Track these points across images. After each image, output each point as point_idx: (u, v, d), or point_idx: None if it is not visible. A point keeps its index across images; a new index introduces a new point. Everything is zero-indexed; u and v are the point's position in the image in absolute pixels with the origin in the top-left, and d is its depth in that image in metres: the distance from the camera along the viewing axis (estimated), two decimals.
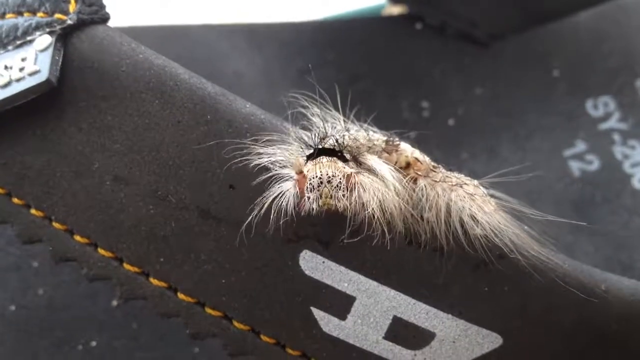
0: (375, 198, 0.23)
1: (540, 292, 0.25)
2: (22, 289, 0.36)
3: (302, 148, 0.24)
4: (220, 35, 0.44)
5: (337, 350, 0.26)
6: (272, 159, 0.24)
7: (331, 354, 0.26)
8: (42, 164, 0.26)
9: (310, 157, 0.24)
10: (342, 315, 0.25)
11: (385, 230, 0.23)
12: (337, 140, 0.24)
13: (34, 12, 0.26)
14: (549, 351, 0.26)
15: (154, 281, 0.26)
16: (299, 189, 0.23)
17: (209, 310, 0.26)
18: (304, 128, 0.25)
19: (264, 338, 0.26)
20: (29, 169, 0.26)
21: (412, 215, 0.24)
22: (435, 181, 0.25)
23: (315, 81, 0.42)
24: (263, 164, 0.24)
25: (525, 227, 0.25)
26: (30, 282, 0.36)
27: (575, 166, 0.42)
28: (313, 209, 0.23)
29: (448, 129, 0.43)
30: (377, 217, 0.23)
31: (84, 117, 0.25)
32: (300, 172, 0.23)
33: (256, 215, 0.23)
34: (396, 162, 0.25)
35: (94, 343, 0.35)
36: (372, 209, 0.23)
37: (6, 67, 0.25)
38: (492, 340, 0.25)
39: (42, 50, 0.25)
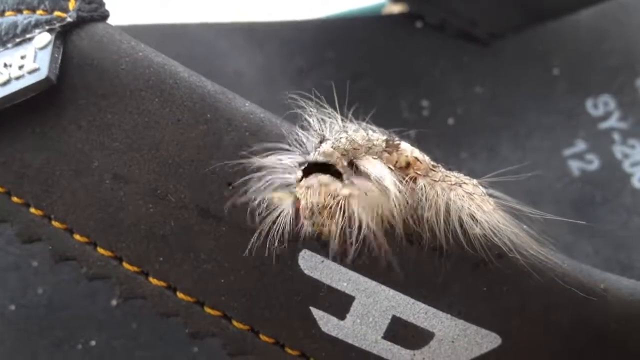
0: (370, 216, 0.23)
1: (539, 291, 0.25)
2: (21, 288, 0.36)
3: (297, 160, 0.24)
4: (219, 33, 0.44)
5: (336, 350, 0.26)
6: (269, 167, 0.24)
7: (330, 354, 0.26)
8: (41, 163, 0.26)
9: (305, 171, 0.24)
10: (341, 315, 0.25)
11: (380, 240, 0.23)
12: (332, 146, 0.24)
13: (33, 10, 0.26)
14: (548, 351, 0.26)
15: (154, 280, 0.26)
16: (296, 210, 0.23)
17: (208, 310, 0.26)
18: (303, 127, 0.25)
19: (263, 337, 0.26)
20: (28, 168, 0.26)
21: (411, 216, 0.24)
22: (435, 180, 0.25)
23: (315, 80, 0.42)
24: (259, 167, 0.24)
25: (524, 227, 0.25)
26: (29, 281, 0.36)
27: (574, 165, 0.41)
28: (308, 232, 0.23)
29: (448, 128, 0.43)
30: (373, 233, 0.23)
31: (83, 115, 0.25)
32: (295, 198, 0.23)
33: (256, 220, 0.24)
34: (396, 162, 0.25)
35: (93, 342, 0.35)
36: (368, 227, 0.23)
37: (5, 65, 0.25)
38: (491, 340, 0.25)
39: (42, 48, 0.25)
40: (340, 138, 0.24)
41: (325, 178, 0.23)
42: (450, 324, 0.25)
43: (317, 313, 0.25)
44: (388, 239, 0.24)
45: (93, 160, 0.25)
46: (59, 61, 0.25)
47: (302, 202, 0.23)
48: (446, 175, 0.25)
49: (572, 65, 0.44)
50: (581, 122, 0.43)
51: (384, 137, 0.25)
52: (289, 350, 0.26)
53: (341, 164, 0.24)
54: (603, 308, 0.25)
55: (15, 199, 0.26)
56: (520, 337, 0.25)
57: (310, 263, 0.24)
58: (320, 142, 0.25)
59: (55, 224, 0.26)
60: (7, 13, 0.27)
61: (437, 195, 0.24)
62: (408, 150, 0.25)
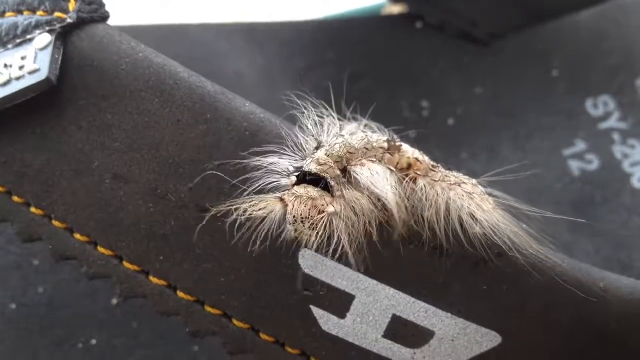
0: (349, 236, 0.24)
1: (539, 290, 0.25)
2: (22, 287, 0.36)
3: (292, 164, 0.24)
4: (219, 34, 0.44)
5: (336, 349, 0.26)
6: (266, 166, 0.24)
7: (330, 353, 0.26)
8: (41, 162, 0.26)
9: (299, 177, 0.24)
10: (341, 314, 0.25)
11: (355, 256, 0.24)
12: (326, 153, 0.24)
13: (33, 11, 0.26)
14: (547, 350, 0.26)
15: (154, 279, 0.26)
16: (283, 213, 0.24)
17: (208, 309, 0.26)
18: (301, 129, 0.25)
19: (263, 336, 0.26)
20: (28, 167, 0.26)
21: (412, 217, 0.24)
22: (435, 180, 0.25)
23: (315, 80, 0.42)
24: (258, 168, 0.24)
25: (524, 226, 0.25)
26: (30, 280, 0.36)
27: (574, 165, 0.42)
28: (290, 236, 0.24)
29: (447, 128, 0.43)
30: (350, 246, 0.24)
31: (83, 116, 0.25)
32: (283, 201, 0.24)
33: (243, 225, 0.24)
34: (397, 163, 0.25)
35: (93, 341, 0.35)
36: (344, 246, 0.23)
37: (6, 66, 0.25)
38: (491, 339, 0.25)
39: (42, 49, 0.25)
40: (335, 145, 0.24)
41: (313, 191, 0.24)
42: (450, 322, 0.25)
43: (317, 312, 0.25)
44: (386, 239, 0.24)
45: (93, 160, 0.25)
46: (59, 62, 0.25)
47: (288, 209, 0.23)
48: (446, 175, 0.25)
49: (572, 65, 0.44)
50: (581, 122, 0.43)
51: (385, 138, 0.25)
52: (289, 349, 0.26)
53: (333, 174, 0.24)
54: (603, 307, 0.25)
55: (15, 198, 0.26)
56: (520, 336, 0.25)
57: (310, 262, 0.25)
58: (316, 147, 0.25)
59: (56, 223, 0.26)
60: (8, 14, 0.27)
61: (437, 195, 0.25)
62: (409, 151, 0.25)
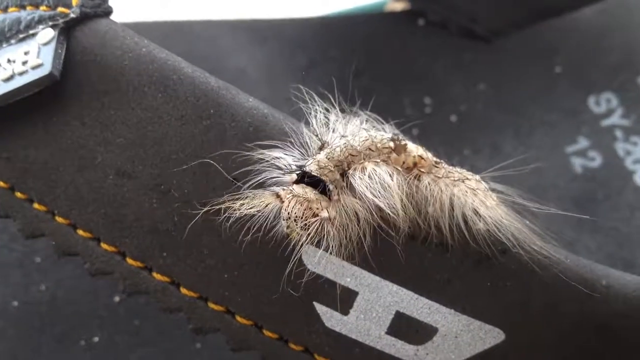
0: (340, 242, 0.24)
1: (543, 287, 0.25)
2: (24, 284, 0.36)
3: (294, 162, 0.24)
4: (222, 31, 0.44)
5: (339, 345, 0.26)
6: (269, 161, 0.24)
7: (334, 349, 0.26)
8: (45, 158, 0.26)
9: (299, 175, 0.24)
10: (345, 310, 0.25)
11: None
12: (327, 157, 0.24)
13: (36, 6, 0.26)
14: (551, 346, 0.26)
15: (157, 276, 0.26)
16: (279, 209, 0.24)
17: (211, 305, 0.26)
18: (306, 125, 0.25)
19: (267, 333, 0.26)
20: (32, 163, 0.26)
21: (415, 212, 0.24)
22: (438, 177, 0.25)
23: (317, 77, 0.42)
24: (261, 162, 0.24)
25: (527, 222, 0.25)
26: (32, 277, 0.36)
27: (577, 162, 0.41)
28: (283, 231, 0.24)
29: (450, 125, 0.43)
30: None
31: (86, 111, 0.25)
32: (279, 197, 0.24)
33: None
34: (404, 163, 0.25)
35: (96, 339, 0.35)
36: (333, 249, 0.24)
37: (9, 61, 0.25)
38: (494, 336, 0.25)
39: (45, 44, 0.25)
40: (336, 148, 0.24)
41: (311, 193, 0.23)
42: (454, 319, 0.25)
43: (320, 308, 0.25)
44: (389, 235, 0.24)
45: (96, 156, 0.25)
46: (63, 57, 0.25)
47: (284, 206, 0.23)
48: (449, 171, 0.25)
49: (575, 62, 0.44)
50: (583, 119, 0.43)
51: (391, 137, 0.25)
52: (293, 346, 0.26)
53: (333, 178, 0.24)
54: (606, 304, 0.25)
55: (18, 194, 0.26)
56: (524, 333, 0.25)
57: (313, 258, 0.24)
58: (320, 148, 0.25)
59: (59, 219, 0.26)
60: (11, 9, 0.27)
61: (441, 191, 0.25)
62: (414, 150, 0.25)
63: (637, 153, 0.41)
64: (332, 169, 0.24)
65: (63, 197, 0.26)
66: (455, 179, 0.25)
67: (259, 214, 0.24)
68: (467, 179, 0.26)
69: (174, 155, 0.25)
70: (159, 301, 0.26)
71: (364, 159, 0.24)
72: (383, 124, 0.27)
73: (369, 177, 0.24)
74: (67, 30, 0.26)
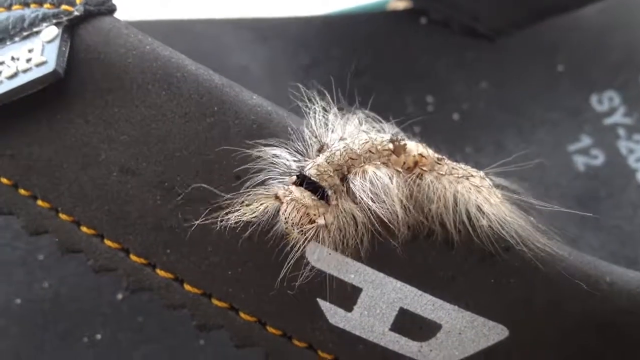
0: (335, 248, 0.24)
1: (546, 284, 0.25)
2: (27, 282, 0.36)
3: (295, 164, 0.24)
4: (224, 29, 0.44)
5: (343, 342, 0.26)
6: (270, 159, 0.24)
7: (337, 346, 0.26)
8: (48, 155, 0.26)
9: (299, 177, 0.24)
10: (349, 307, 0.25)
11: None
12: (327, 161, 0.24)
13: (40, 4, 0.26)
14: (555, 343, 0.26)
15: (161, 272, 0.26)
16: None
17: (215, 302, 0.26)
18: (307, 126, 0.25)
19: (270, 329, 0.26)
20: (35, 160, 0.26)
21: (418, 211, 0.24)
22: (441, 174, 0.25)
23: (319, 75, 0.42)
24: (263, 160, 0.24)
25: (531, 219, 0.25)
26: (35, 275, 0.36)
27: (580, 161, 0.41)
28: (281, 229, 0.24)
29: (453, 124, 0.43)
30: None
31: (90, 109, 0.25)
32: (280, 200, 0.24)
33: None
34: (404, 163, 0.25)
35: (99, 336, 0.35)
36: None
37: (13, 59, 0.25)
38: (498, 332, 0.25)
39: (49, 42, 0.25)
40: (336, 151, 0.24)
41: (309, 199, 0.23)
42: (458, 315, 0.25)
43: (324, 305, 0.25)
44: (391, 233, 0.24)
45: (100, 153, 0.25)
46: (67, 54, 0.25)
47: (281, 209, 0.23)
48: (453, 168, 0.25)
49: (577, 61, 0.44)
50: (586, 117, 0.43)
51: (390, 138, 0.25)
52: (296, 342, 0.26)
53: (332, 183, 0.24)
54: (610, 300, 0.25)
55: (22, 191, 0.26)
56: (527, 329, 0.25)
57: (317, 255, 0.24)
58: (319, 150, 0.24)
59: (63, 216, 0.26)
60: (15, 7, 0.27)
61: (445, 189, 0.25)
62: (414, 149, 0.25)
63: (639, 151, 0.41)
64: (332, 173, 0.24)
65: (67, 194, 0.26)
66: (459, 175, 0.25)
67: (260, 214, 0.24)
68: (472, 175, 0.26)
69: (178, 153, 0.25)
70: (162, 298, 0.26)
71: (364, 162, 0.24)
72: (382, 122, 0.27)
73: (370, 182, 0.24)
74: (71, 28, 0.26)
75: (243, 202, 0.24)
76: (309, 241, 0.24)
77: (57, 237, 0.26)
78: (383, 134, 0.25)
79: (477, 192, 0.25)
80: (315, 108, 0.25)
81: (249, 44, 0.44)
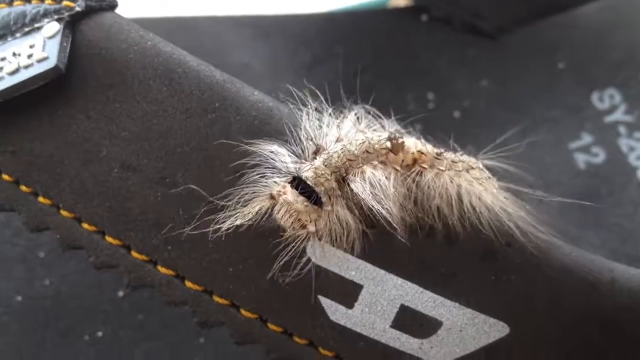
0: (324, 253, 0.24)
1: (547, 281, 0.25)
2: (28, 279, 0.36)
3: (291, 165, 0.24)
4: (226, 26, 0.44)
5: (344, 339, 0.26)
6: (269, 159, 0.24)
7: (338, 343, 0.26)
8: (50, 152, 0.26)
9: (294, 179, 0.24)
10: (350, 304, 0.25)
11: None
12: (324, 163, 0.24)
13: (42, 0, 0.26)
14: (556, 340, 0.26)
15: (162, 269, 0.26)
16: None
17: (216, 299, 0.26)
18: (304, 128, 0.25)
19: (271, 326, 0.26)
20: (36, 157, 0.26)
21: (419, 207, 0.24)
22: (441, 170, 0.25)
23: (321, 73, 0.42)
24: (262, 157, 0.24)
25: (528, 207, 0.25)
26: (36, 272, 0.36)
27: (580, 158, 0.41)
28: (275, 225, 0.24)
29: (454, 121, 0.43)
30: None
31: (92, 104, 0.25)
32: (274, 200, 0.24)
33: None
34: (403, 161, 0.25)
35: (100, 333, 0.35)
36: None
37: (14, 54, 0.25)
38: (499, 329, 0.25)
39: (50, 37, 0.25)
40: (334, 154, 0.24)
41: (301, 205, 0.23)
42: (459, 312, 0.25)
43: (325, 302, 0.25)
44: (391, 230, 0.24)
45: (101, 150, 0.25)
46: (68, 50, 0.25)
47: (275, 210, 0.23)
48: (453, 161, 0.25)
49: (578, 58, 0.44)
50: (587, 115, 0.43)
51: (388, 137, 0.25)
52: (297, 339, 0.26)
53: (329, 187, 0.24)
54: (611, 297, 0.25)
55: (23, 187, 0.26)
56: (529, 326, 0.25)
57: (318, 252, 0.24)
58: (315, 152, 0.24)
59: (64, 213, 0.26)
60: (16, 2, 0.27)
61: (446, 184, 0.25)
62: (412, 146, 0.25)
63: None
64: (329, 177, 0.24)
65: (68, 191, 0.26)
66: (459, 169, 0.25)
67: (254, 215, 0.24)
68: (472, 167, 0.26)
69: (179, 149, 0.25)
70: (163, 295, 0.26)
71: (362, 162, 0.24)
72: (382, 119, 0.27)
73: (369, 183, 0.24)
74: (73, 24, 0.26)
75: (239, 202, 0.24)
76: (300, 245, 0.24)
77: (58, 233, 0.26)
78: (380, 132, 0.25)
79: (478, 185, 0.25)
80: (309, 110, 0.25)
81: (250, 41, 0.44)
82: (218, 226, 0.24)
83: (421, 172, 0.25)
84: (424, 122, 0.39)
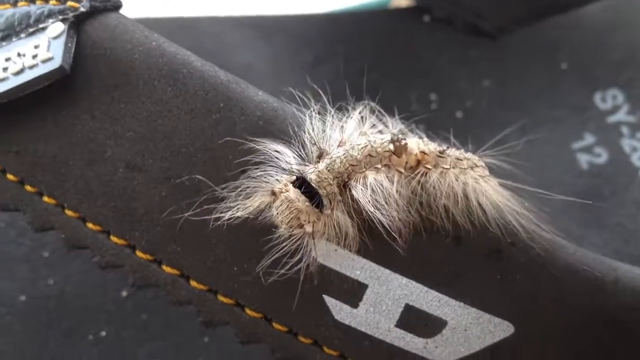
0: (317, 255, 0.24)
1: (552, 280, 0.25)
2: (32, 279, 0.36)
3: (294, 166, 0.24)
4: (227, 27, 0.44)
5: (348, 338, 0.26)
6: (275, 157, 0.24)
7: (343, 342, 0.26)
8: (54, 152, 0.26)
9: (297, 179, 0.24)
10: (354, 303, 0.25)
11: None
12: (327, 168, 0.24)
13: (46, 0, 0.26)
14: (560, 339, 0.26)
15: (167, 269, 0.26)
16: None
17: (221, 298, 0.26)
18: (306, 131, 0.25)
19: (276, 326, 0.26)
20: (41, 157, 0.26)
21: (424, 212, 0.24)
22: (446, 168, 0.25)
23: (323, 73, 0.42)
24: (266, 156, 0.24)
25: (531, 206, 0.25)
26: (40, 272, 0.36)
27: (583, 159, 0.42)
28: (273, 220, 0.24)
29: (456, 122, 0.43)
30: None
31: (96, 105, 0.25)
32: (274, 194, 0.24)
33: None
34: (407, 163, 0.25)
35: (103, 333, 0.35)
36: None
37: (19, 55, 0.25)
38: (503, 329, 0.25)
39: (55, 38, 0.25)
40: (336, 159, 0.24)
41: (303, 204, 0.23)
42: (463, 312, 0.25)
43: (330, 301, 0.25)
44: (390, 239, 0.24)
45: (106, 150, 0.25)
46: (73, 50, 0.25)
47: (274, 205, 0.24)
48: (457, 159, 0.25)
49: (580, 58, 0.44)
50: (590, 115, 0.43)
51: (390, 139, 0.25)
52: (302, 339, 0.26)
53: (330, 191, 0.24)
54: (615, 297, 0.25)
55: (28, 187, 0.26)
56: (533, 326, 0.25)
57: (323, 251, 0.25)
58: (319, 156, 0.24)
59: (69, 212, 0.26)
60: (20, 3, 0.27)
61: (452, 183, 0.25)
62: (415, 147, 0.25)
63: None
64: (332, 181, 0.24)
65: (73, 191, 0.26)
66: (464, 167, 0.25)
67: (255, 210, 0.24)
68: (476, 165, 0.26)
69: (184, 149, 0.25)
70: (168, 294, 0.26)
71: (365, 167, 0.24)
72: (385, 117, 0.27)
73: (371, 189, 0.24)
74: (77, 24, 0.26)
75: (240, 196, 0.24)
76: (294, 242, 0.24)
77: (63, 233, 0.26)
78: (383, 134, 0.25)
79: (484, 183, 0.25)
80: (312, 113, 0.25)
81: (252, 42, 0.44)
82: (218, 215, 0.24)
83: (426, 173, 0.25)
84: (427, 123, 0.39)
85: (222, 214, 0.24)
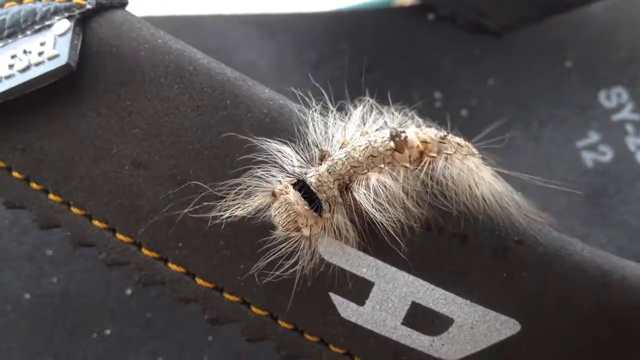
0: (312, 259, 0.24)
1: (558, 278, 0.25)
2: (36, 277, 0.36)
3: (297, 168, 0.24)
4: (232, 25, 0.44)
5: (355, 336, 0.26)
6: (279, 157, 0.24)
7: (349, 340, 0.26)
8: (60, 149, 0.26)
9: (298, 181, 0.24)
10: (361, 301, 0.25)
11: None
12: (328, 170, 0.24)
13: None
14: (567, 337, 0.26)
15: (173, 266, 0.26)
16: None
17: (227, 296, 0.26)
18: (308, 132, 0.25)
19: (282, 323, 0.26)
20: (47, 154, 0.26)
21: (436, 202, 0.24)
22: (450, 154, 0.25)
23: (327, 71, 0.42)
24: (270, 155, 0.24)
25: (519, 193, 0.25)
26: (44, 270, 0.36)
27: (588, 157, 0.41)
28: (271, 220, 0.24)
29: (461, 120, 0.43)
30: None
31: (102, 102, 0.25)
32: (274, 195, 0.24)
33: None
34: (410, 157, 0.25)
35: (107, 331, 0.35)
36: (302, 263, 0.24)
37: (25, 52, 0.25)
38: (510, 327, 0.25)
39: (61, 35, 0.25)
40: (337, 161, 0.24)
41: (302, 207, 0.23)
42: (470, 310, 0.25)
43: (336, 299, 0.25)
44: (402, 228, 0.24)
45: (112, 147, 0.25)
46: (79, 48, 0.25)
47: (273, 206, 0.24)
48: (458, 143, 0.25)
49: (585, 57, 0.44)
50: (594, 113, 0.43)
51: (390, 136, 0.25)
52: (308, 336, 0.26)
53: (330, 195, 0.24)
54: (622, 295, 0.25)
55: (34, 185, 0.26)
56: (540, 323, 0.25)
57: (329, 249, 0.24)
58: (321, 158, 0.24)
59: (74, 210, 0.26)
60: (26, 0, 0.27)
61: (461, 170, 0.25)
62: (415, 139, 0.25)
63: None
64: (332, 185, 0.24)
65: (78, 188, 0.26)
66: (465, 153, 0.25)
67: (255, 209, 0.24)
68: (473, 153, 0.26)
69: (190, 146, 0.25)
70: (174, 292, 0.26)
71: (367, 168, 0.24)
72: (383, 113, 0.26)
73: (373, 191, 0.24)
74: (83, 21, 0.26)
75: (241, 195, 0.24)
76: (291, 244, 0.24)
77: (69, 230, 0.26)
78: (383, 132, 0.25)
79: (487, 172, 0.25)
80: (313, 115, 0.25)
81: (256, 40, 0.44)
82: (218, 214, 0.24)
83: (431, 162, 0.25)
84: (432, 121, 0.39)
85: (223, 213, 0.24)
